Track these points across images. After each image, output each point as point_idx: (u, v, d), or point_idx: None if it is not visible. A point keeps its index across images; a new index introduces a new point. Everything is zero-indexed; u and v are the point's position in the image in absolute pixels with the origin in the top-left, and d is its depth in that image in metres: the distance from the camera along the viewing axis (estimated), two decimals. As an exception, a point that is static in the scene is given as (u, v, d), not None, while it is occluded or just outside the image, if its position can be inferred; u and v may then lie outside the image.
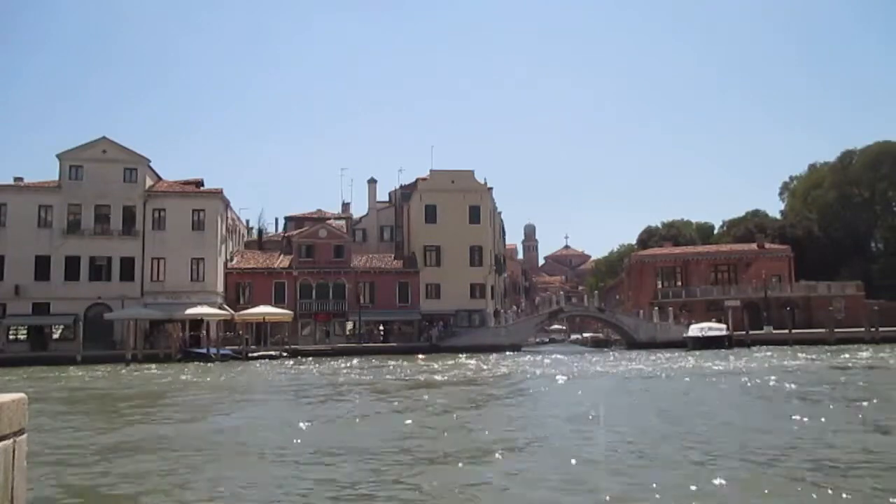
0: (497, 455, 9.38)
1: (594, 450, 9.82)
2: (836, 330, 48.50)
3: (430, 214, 57.72)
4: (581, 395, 18.16)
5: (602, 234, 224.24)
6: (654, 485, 7.39)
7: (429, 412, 14.78)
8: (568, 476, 8.08)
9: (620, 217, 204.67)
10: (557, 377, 24.66)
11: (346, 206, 67.78)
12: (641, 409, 14.98)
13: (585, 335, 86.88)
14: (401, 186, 63.89)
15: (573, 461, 8.81)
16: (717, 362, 31.42)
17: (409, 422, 13.12)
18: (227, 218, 54.32)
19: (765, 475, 7.95)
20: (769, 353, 37.49)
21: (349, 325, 54.77)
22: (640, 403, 16.18)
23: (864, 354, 34.22)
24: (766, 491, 7.30)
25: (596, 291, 73.14)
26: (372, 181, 64.55)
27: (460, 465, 8.96)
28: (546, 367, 31.84)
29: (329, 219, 62.09)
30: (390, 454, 9.74)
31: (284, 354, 45.64)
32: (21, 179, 50.88)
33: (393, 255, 58.83)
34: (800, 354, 35.35)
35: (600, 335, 75.84)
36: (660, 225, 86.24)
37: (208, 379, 27.94)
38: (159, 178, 53.71)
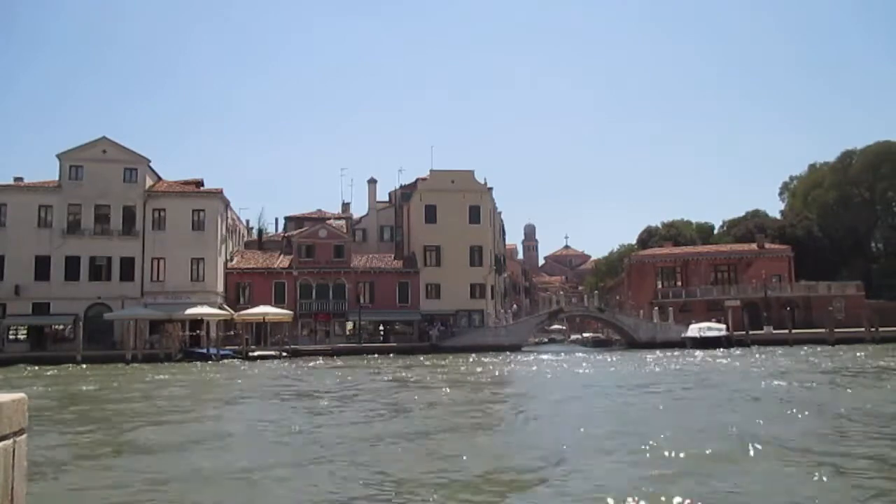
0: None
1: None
2: (836, 330, 48.48)
3: (430, 214, 57.72)
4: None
5: (602, 234, 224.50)
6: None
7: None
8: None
9: (620, 217, 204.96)
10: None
11: (346, 206, 67.77)
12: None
13: (585, 335, 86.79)
14: (401, 186, 63.87)
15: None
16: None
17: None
18: (227, 218, 54.31)
19: None
20: (762, 355, 37.48)
21: (349, 325, 54.77)
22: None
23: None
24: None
25: (596, 291, 73.12)
26: (372, 181, 64.54)
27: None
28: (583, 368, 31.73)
29: (329, 219, 62.08)
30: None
31: (284, 354, 45.63)
32: (21, 179, 50.88)
33: (393, 255, 58.81)
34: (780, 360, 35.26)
35: (600, 335, 75.80)
36: (660, 225, 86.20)
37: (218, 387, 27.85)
38: (159, 178, 53.69)
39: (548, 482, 8.03)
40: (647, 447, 9.76)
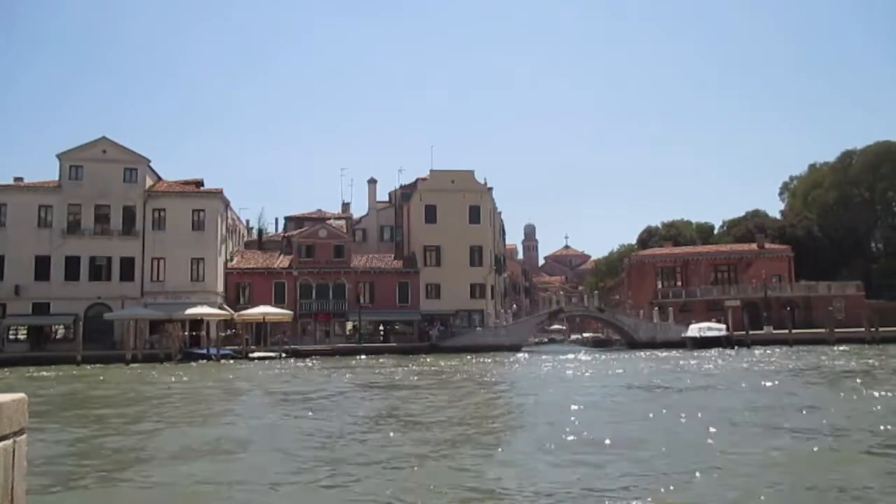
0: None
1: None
2: (836, 330, 48.45)
3: (430, 214, 57.71)
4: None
5: (602, 234, 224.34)
6: None
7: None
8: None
9: (620, 217, 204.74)
10: None
11: (346, 206, 67.77)
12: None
13: (585, 335, 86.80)
14: (401, 186, 63.87)
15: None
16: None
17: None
18: (227, 218, 54.30)
19: None
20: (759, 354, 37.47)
21: (349, 325, 54.77)
22: None
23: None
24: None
25: (596, 291, 73.11)
26: (372, 181, 64.54)
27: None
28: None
29: (329, 219, 62.07)
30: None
31: (284, 355, 45.62)
32: (21, 179, 50.88)
33: (393, 255, 58.80)
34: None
35: (600, 335, 75.80)
36: (660, 225, 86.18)
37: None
38: (159, 178, 53.69)
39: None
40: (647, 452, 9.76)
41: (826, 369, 25.67)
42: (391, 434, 11.95)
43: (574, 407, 15.08)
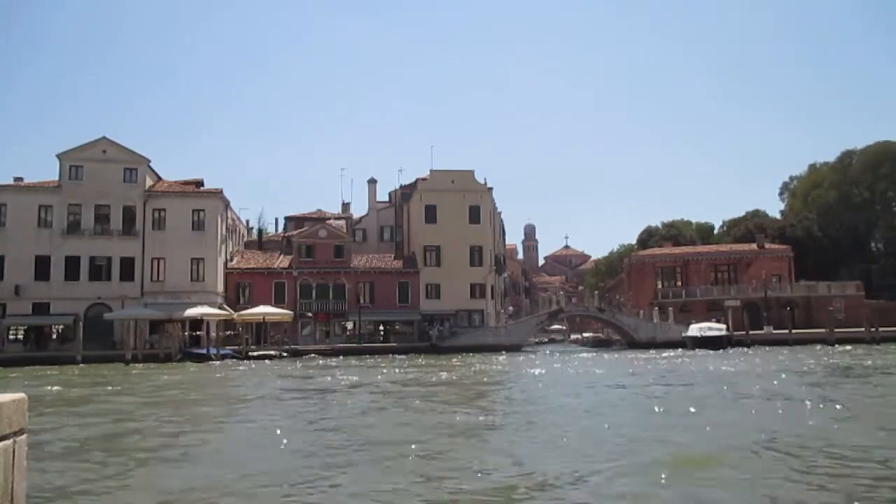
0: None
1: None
2: (836, 330, 48.46)
3: (430, 214, 57.70)
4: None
5: (602, 234, 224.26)
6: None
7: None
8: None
9: (620, 217, 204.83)
10: None
11: (346, 206, 67.74)
12: None
13: (585, 335, 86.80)
14: (401, 186, 63.86)
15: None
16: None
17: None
18: (227, 218, 54.29)
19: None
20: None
21: (349, 325, 54.77)
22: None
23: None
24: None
25: (596, 291, 73.12)
26: (372, 181, 64.56)
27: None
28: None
29: (329, 219, 62.06)
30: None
31: (284, 355, 45.63)
32: (21, 179, 50.89)
33: (393, 255, 58.80)
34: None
35: (600, 335, 75.82)
36: (660, 225, 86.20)
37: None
38: (159, 178, 53.69)
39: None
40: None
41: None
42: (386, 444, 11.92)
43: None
